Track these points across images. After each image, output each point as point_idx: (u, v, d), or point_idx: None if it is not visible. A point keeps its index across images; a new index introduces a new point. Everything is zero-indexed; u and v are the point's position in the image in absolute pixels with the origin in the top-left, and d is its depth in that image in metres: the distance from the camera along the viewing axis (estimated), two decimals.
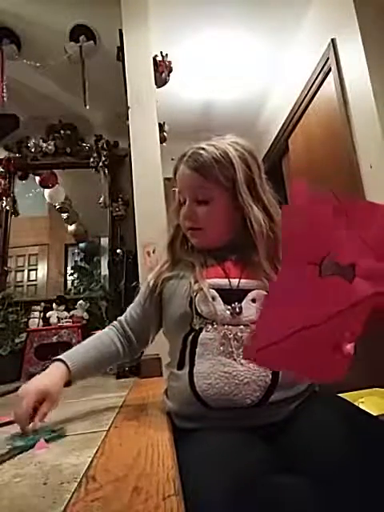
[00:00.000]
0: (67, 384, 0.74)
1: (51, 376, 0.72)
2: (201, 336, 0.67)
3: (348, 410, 0.64)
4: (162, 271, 0.80)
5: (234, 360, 0.64)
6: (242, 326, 0.66)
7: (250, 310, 0.67)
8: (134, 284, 1.71)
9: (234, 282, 0.71)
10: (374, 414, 1.22)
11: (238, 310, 0.67)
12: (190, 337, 0.68)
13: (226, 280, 0.71)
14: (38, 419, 0.65)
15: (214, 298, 0.68)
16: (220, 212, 0.74)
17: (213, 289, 0.70)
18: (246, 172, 0.73)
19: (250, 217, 0.71)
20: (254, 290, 0.69)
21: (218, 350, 0.65)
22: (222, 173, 0.71)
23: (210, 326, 0.67)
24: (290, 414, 0.65)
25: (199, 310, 0.68)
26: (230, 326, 0.66)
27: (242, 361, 0.63)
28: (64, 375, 0.73)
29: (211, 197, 0.73)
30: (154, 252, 1.59)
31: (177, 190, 0.78)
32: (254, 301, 0.68)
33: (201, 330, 0.67)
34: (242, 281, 0.71)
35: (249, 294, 0.69)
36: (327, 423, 0.60)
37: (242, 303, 0.68)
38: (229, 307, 0.68)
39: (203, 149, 0.72)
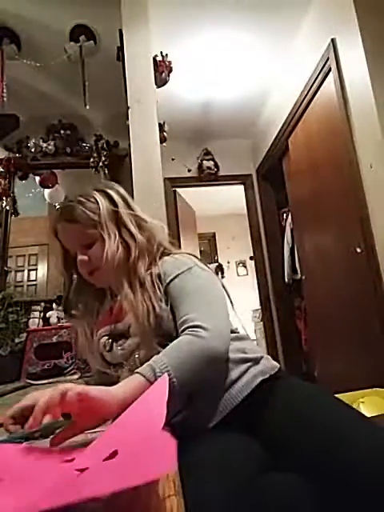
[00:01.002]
0: None
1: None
2: (121, 378, 0.74)
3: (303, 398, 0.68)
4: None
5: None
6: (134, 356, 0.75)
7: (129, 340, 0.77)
8: None
9: (119, 324, 0.79)
10: (375, 414, 1.22)
11: (120, 346, 0.78)
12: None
13: (112, 325, 0.80)
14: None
15: (109, 348, 0.79)
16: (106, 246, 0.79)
17: (106, 336, 0.81)
18: (108, 206, 0.81)
19: (105, 246, 0.77)
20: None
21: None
22: (92, 213, 0.79)
23: (120, 369, 0.78)
24: (252, 403, 0.68)
25: (108, 361, 0.81)
26: (124, 361, 0.77)
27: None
28: None
29: (94, 238, 0.79)
30: None
31: (62, 247, 0.84)
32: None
33: (118, 374, 0.77)
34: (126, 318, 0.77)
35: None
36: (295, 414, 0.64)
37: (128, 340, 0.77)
38: (118, 347, 0.78)
39: (71, 201, 0.82)
